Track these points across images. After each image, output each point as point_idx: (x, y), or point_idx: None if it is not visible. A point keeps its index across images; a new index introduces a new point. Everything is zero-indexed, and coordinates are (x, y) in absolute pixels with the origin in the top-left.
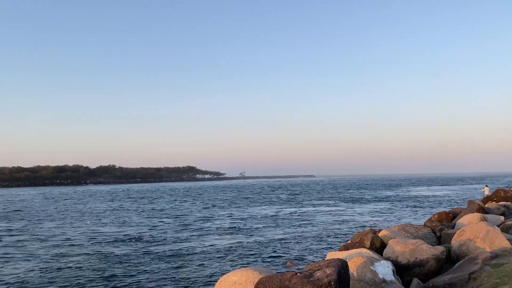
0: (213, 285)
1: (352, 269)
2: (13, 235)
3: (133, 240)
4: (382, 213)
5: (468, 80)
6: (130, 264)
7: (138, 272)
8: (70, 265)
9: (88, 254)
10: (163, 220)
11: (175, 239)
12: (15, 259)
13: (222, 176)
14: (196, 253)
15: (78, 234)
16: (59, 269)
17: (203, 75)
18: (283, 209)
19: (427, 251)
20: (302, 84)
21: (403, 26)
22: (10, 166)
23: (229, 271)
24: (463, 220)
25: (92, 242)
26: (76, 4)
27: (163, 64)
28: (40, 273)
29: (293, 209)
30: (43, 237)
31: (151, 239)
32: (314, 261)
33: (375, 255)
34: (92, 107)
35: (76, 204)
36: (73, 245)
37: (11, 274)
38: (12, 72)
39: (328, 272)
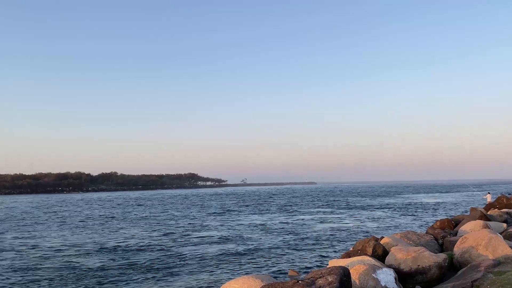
0: None
1: (354, 276)
2: None
3: (126, 250)
4: (384, 220)
5: (470, 87)
6: (121, 275)
7: (130, 283)
8: (40, 280)
9: (66, 266)
10: (161, 228)
11: (174, 248)
12: None
13: (223, 183)
14: (196, 261)
15: (57, 244)
16: (29, 282)
17: (205, 82)
18: (284, 217)
19: (430, 259)
20: (304, 91)
21: (405, 31)
22: (12, 173)
23: (230, 279)
24: (465, 227)
25: (72, 252)
26: (79, 8)
27: (165, 71)
28: None
29: (294, 217)
30: (13, 247)
31: (146, 248)
32: (316, 269)
33: (377, 263)
34: (95, 114)
35: (66, 211)
36: (47, 256)
37: None
38: (14, 78)
39: (330, 280)
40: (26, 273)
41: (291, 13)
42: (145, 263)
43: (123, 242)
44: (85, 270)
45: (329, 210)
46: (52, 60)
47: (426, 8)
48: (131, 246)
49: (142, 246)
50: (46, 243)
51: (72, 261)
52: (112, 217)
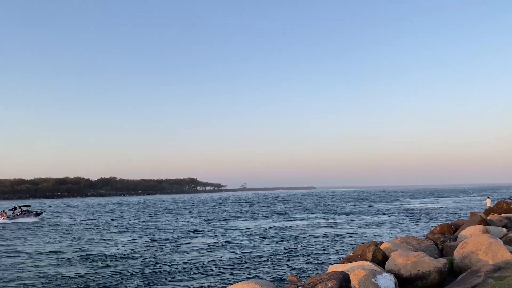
0: None
1: (354, 282)
2: None
3: (117, 257)
4: (384, 225)
5: (469, 91)
6: (112, 284)
7: None
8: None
9: (51, 274)
10: (158, 234)
11: (170, 255)
12: None
13: (223, 188)
14: (193, 268)
15: (44, 251)
16: None
17: (204, 88)
18: (283, 222)
19: (430, 264)
20: (304, 96)
21: (407, 36)
22: (11, 179)
23: (230, 284)
24: (465, 232)
25: (58, 259)
26: (73, 2)
27: (164, 77)
28: None
29: (293, 222)
30: None
31: (141, 255)
32: (316, 274)
33: (377, 268)
34: (94, 119)
35: (60, 217)
36: (30, 264)
37: None
38: (13, 83)
39: (329, 285)
40: (5, 283)
41: (289, 17)
42: (139, 270)
43: (115, 249)
44: (73, 279)
45: (329, 215)
46: (53, 66)
47: (425, 10)
48: (123, 253)
49: (136, 253)
50: (31, 249)
51: (58, 269)
52: (107, 223)
